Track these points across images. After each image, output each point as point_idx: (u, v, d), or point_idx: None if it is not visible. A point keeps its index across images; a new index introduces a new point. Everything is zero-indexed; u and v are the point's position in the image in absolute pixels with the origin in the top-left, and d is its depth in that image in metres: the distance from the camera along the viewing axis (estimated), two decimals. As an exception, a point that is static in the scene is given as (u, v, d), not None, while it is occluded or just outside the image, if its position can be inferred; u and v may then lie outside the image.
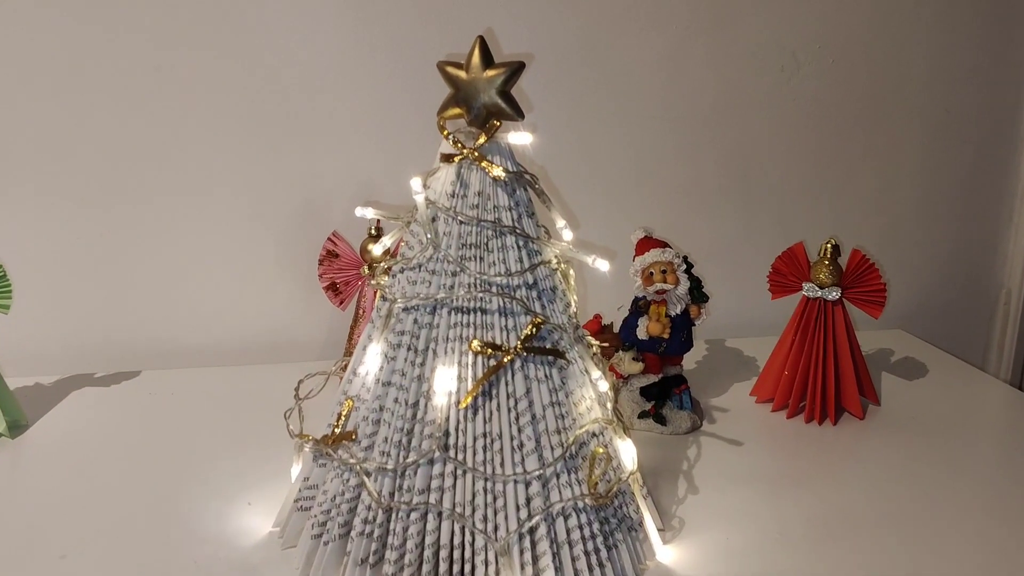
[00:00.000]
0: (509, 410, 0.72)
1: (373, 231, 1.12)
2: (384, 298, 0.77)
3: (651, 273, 1.04)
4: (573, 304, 0.76)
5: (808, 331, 1.08)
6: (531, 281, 0.74)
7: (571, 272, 0.79)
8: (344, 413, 0.76)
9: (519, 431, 0.72)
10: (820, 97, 1.34)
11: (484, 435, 0.71)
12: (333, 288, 1.13)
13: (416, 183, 0.73)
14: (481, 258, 0.73)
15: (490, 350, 0.71)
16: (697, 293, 1.06)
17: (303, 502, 0.79)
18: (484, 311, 0.73)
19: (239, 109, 1.19)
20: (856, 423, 1.08)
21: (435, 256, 0.74)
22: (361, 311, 1.13)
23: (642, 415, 1.05)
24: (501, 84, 0.73)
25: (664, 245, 1.06)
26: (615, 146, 1.30)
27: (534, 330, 0.73)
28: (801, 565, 0.78)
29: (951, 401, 1.15)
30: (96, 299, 1.22)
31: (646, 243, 1.07)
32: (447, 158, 0.74)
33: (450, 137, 0.74)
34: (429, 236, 0.73)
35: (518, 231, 0.74)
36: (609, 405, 0.77)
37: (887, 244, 1.43)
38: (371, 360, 0.75)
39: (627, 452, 0.78)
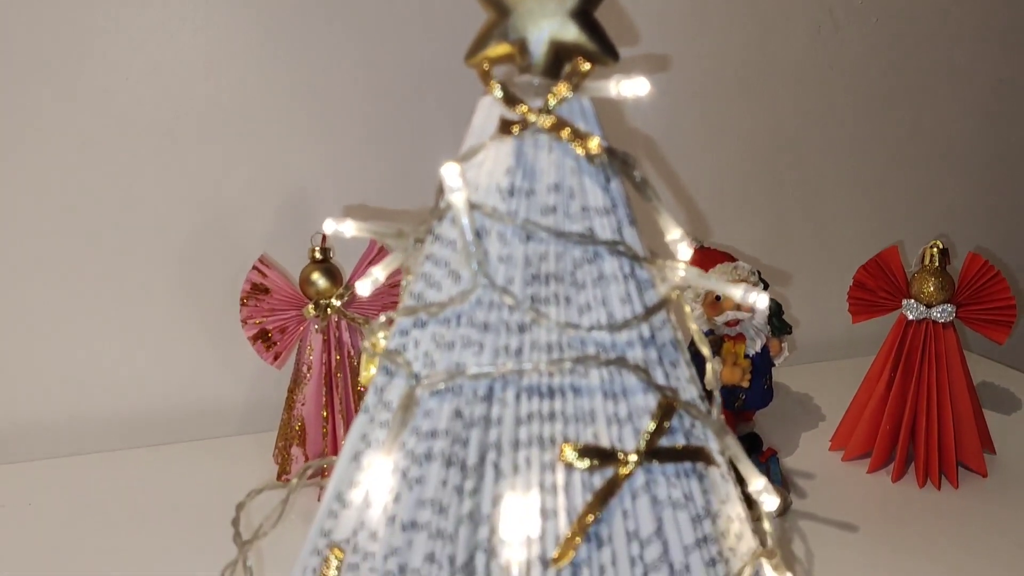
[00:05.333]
0: (633, 563, 0.41)
1: (318, 253, 0.79)
2: (388, 371, 0.45)
3: (718, 297, 0.75)
4: (710, 365, 0.46)
5: (913, 364, 0.82)
6: (648, 334, 0.44)
7: (687, 308, 0.49)
8: (330, 574, 0.44)
9: (651, 598, 0.41)
10: (862, 64, 1.08)
11: (594, 612, 0.40)
12: (264, 337, 0.79)
13: (451, 173, 0.41)
14: (567, 298, 0.42)
15: (595, 460, 0.41)
16: (778, 322, 0.78)
17: None
18: (577, 391, 0.42)
19: (102, 105, 0.84)
20: (981, 485, 0.82)
21: (486, 299, 0.42)
22: (305, 368, 0.80)
23: (714, 495, 0.76)
24: (578, 2, 0.43)
25: (728, 257, 0.78)
26: (612, 131, 1.00)
27: (663, 420, 0.42)
28: None
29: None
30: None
31: (703, 256, 0.78)
32: (505, 127, 0.42)
33: (497, 91, 0.43)
34: (476, 264, 0.42)
35: (623, 250, 0.43)
36: (768, 527, 0.47)
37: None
38: (375, 482, 0.43)
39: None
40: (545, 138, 0.43)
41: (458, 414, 0.42)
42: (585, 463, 0.41)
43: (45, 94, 0.82)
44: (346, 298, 0.79)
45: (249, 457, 0.86)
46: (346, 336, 0.80)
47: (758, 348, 0.76)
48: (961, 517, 0.76)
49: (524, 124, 0.42)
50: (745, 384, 0.75)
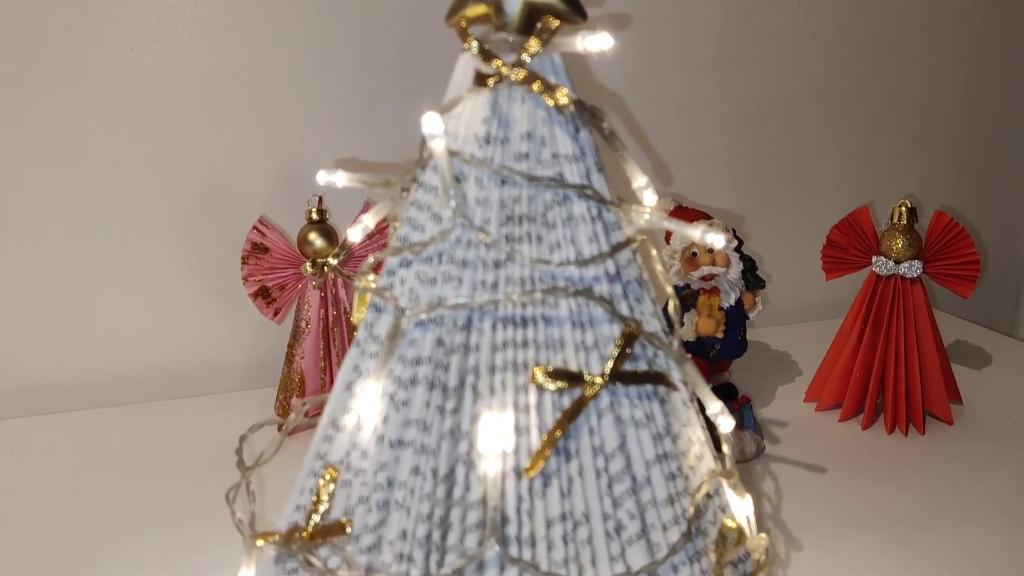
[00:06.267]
0: (598, 474, 0.46)
1: (315, 214, 0.83)
2: (377, 307, 0.50)
3: (694, 253, 0.79)
4: (672, 301, 0.50)
5: (882, 318, 0.86)
6: (613, 270, 0.48)
7: (653, 252, 0.53)
8: (325, 490, 0.48)
9: (615, 507, 0.46)
10: (842, 33, 1.11)
11: (563, 517, 0.45)
12: (264, 294, 0.83)
13: (432, 121, 0.45)
14: (538, 237, 0.46)
15: (563, 382, 0.45)
16: (751, 277, 0.82)
17: (264, 631, 0.51)
18: (548, 321, 0.46)
19: (107, 73, 0.88)
20: (947, 432, 0.86)
21: (464, 238, 0.46)
22: (303, 324, 0.84)
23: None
24: (551, -35, 0.46)
25: (704, 216, 0.82)
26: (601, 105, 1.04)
27: (626, 347, 0.47)
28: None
29: (1038, 393, 0.95)
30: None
31: (681, 215, 0.82)
32: (480, 80, 0.46)
33: (474, 47, 0.46)
34: (454, 199, 0.46)
35: (590, 193, 0.47)
36: (726, 448, 0.52)
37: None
38: (366, 406, 0.47)
39: (745, 511, 0.53)
40: (519, 90, 0.47)
41: (440, 342, 0.46)
42: (555, 385, 0.45)
43: (52, 64, 0.86)
44: (342, 257, 0.83)
45: (251, 410, 0.91)
46: (342, 293, 0.84)
47: (732, 301, 0.80)
48: (926, 460, 0.80)
49: (499, 77, 0.46)
50: (719, 335, 0.79)
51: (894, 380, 0.85)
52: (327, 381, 0.83)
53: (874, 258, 0.86)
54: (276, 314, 0.84)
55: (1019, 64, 1.23)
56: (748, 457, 0.78)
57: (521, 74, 0.46)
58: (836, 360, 0.89)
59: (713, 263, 0.79)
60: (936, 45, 1.17)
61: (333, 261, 0.83)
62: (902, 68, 1.16)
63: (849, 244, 0.88)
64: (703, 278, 0.79)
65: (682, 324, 0.80)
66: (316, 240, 0.83)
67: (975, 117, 1.23)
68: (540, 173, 0.47)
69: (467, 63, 0.48)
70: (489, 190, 0.46)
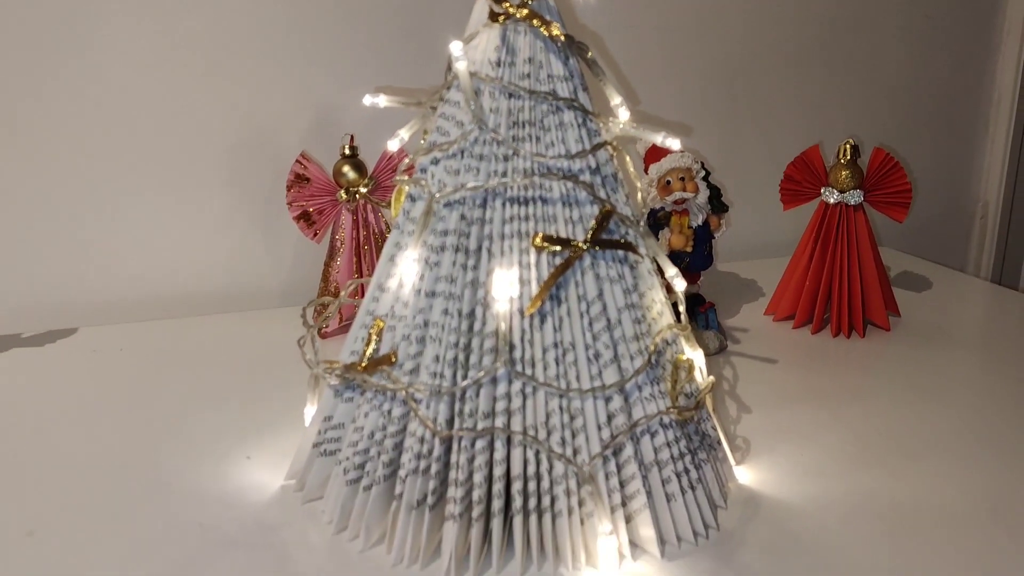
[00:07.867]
0: (581, 315, 0.61)
1: (347, 150, 0.98)
2: (413, 197, 0.65)
3: (668, 181, 0.94)
4: (639, 193, 0.65)
5: (829, 240, 1.01)
6: (594, 165, 0.63)
7: (627, 158, 0.68)
8: (375, 335, 0.63)
9: (594, 339, 0.61)
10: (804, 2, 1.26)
11: (555, 345, 0.60)
12: (305, 218, 0.98)
13: (456, 47, 0.60)
14: (537, 138, 0.61)
15: (556, 246, 0.60)
16: (716, 203, 0.97)
17: (326, 446, 0.66)
18: (544, 200, 0.61)
19: (164, 32, 1.02)
20: (884, 336, 1.01)
21: (481, 138, 0.61)
22: (339, 243, 0.99)
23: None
24: (547, -69, 0.61)
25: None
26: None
27: (603, 221, 0.62)
28: (888, 481, 0.70)
29: (969, 311, 1.10)
30: (18, 250, 1.04)
31: (658, 149, 0.97)
32: (493, 16, 0.61)
33: (489, -8, 0.61)
34: (473, 107, 0.61)
35: (577, 105, 0.62)
36: (681, 308, 0.67)
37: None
38: (406, 269, 0.62)
39: (697, 362, 0.68)
40: (522, 25, 0.61)
41: (463, 217, 0.61)
42: (549, 248, 0.60)
43: (117, 22, 1.00)
44: (371, 186, 0.98)
45: (291, 322, 1.05)
46: (371, 217, 0.99)
47: (700, 221, 0.94)
48: (863, 357, 0.95)
49: (507, 15, 0.61)
50: (689, 249, 0.94)
51: (839, 292, 1.00)
52: (359, 291, 0.98)
53: (823, 189, 1.01)
54: (315, 235, 0.99)
55: (963, 23, 1.38)
56: (711, 352, 0.94)
57: (524, 12, 0.60)
58: (791, 277, 1.04)
59: (684, 189, 0.93)
60: (886, 9, 1.31)
61: (363, 190, 0.98)
62: (856, 27, 1.31)
63: (803, 178, 1.03)
64: (675, 202, 0.94)
65: (657, 237, 0.95)
66: (349, 172, 0.98)
67: (923, 71, 1.37)
68: (538, 89, 0.61)
69: (482, 5, 0.63)
70: (499, 102, 0.61)
